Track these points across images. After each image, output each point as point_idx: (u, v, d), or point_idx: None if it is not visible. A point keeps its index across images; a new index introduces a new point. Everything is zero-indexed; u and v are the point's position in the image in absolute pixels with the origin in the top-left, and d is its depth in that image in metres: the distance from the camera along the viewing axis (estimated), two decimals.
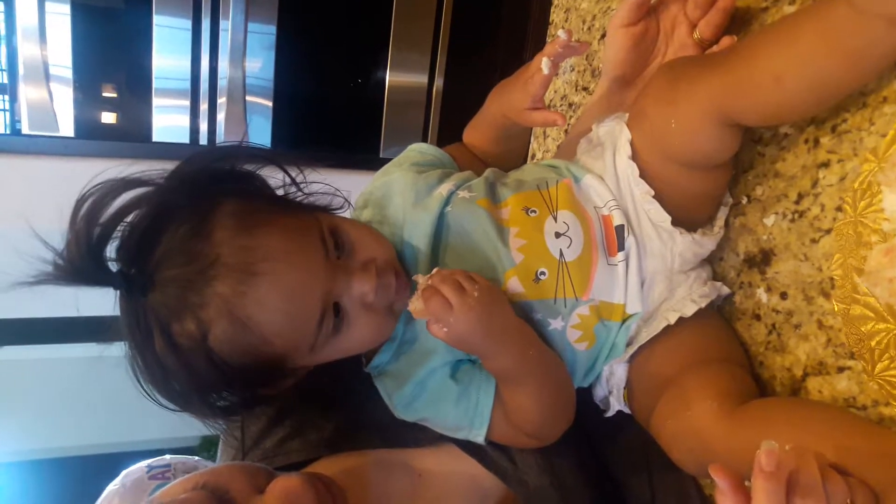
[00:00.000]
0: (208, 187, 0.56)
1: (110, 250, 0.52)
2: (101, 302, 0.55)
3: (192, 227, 0.52)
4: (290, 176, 0.61)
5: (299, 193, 0.63)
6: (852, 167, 0.55)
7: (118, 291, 0.54)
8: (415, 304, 0.55)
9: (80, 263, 0.51)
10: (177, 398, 0.56)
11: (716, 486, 0.43)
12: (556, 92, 0.94)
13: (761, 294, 0.62)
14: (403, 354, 0.64)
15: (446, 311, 0.53)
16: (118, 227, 0.52)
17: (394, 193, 0.67)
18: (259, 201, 0.59)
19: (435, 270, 0.57)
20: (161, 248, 0.52)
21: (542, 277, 0.62)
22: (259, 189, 0.61)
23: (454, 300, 0.53)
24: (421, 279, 0.57)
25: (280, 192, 0.62)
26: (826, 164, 0.57)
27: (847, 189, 0.55)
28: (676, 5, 0.66)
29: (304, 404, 0.69)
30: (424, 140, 1.92)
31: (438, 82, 1.89)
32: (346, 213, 0.67)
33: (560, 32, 0.60)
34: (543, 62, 0.63)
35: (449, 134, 1.90)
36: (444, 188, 0.65)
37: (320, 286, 0.55)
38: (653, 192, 0.61)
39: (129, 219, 0.53)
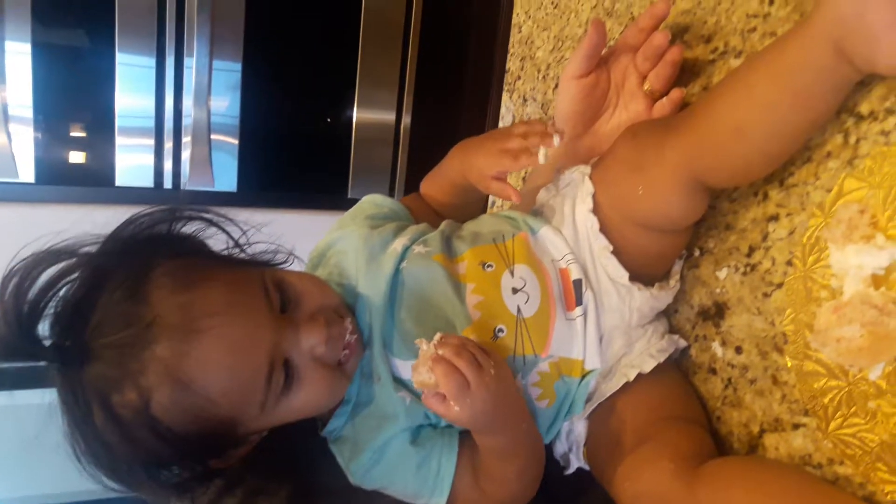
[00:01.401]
0: (143, 250, 0.54)
1: (43, 325, 0.50)
2: None
3: (126, 290, 0.50)
4: (231, 237, 0.59)
5: (242, 253, 0.61)
6: (800, 221, 0.55)
7: (54, 366, 0.51)
8: (421, 377, 0.51)
9: (11, 339, 0.49)
10: (123, 478, 0.53)
11: None
12: None
13: (716, 348, 0.62)
14: (359, 418, 0.61)
15: (463, 390, 0.50)
16: (50, 299, 0.50)
17: (348, 250, 0.66)
18: (197, 259, 0.57)
19: (439, 336, 0.53)
20: (96, 316, 0.50)
21: (500, 335, 0.60)
22: (197, 248, 0.59)
23: (472, 378, 0.50)
24: (425, 345, 0.53)
25: (223, 252, 0.60)
26: (775, 218, 0.57)
27: (796, 243, 0.55)
28: (626, 57, 0.67)
29: (257, 471, 0.66)
30: (392, 178, 1.91)
31: (406, 120, 1.89)
32: (297, 268, 0.65)
33: (555, 139, 0.59)
34: (541, 154, 0.60)
35: (416, 172, 1.89)
36: (399, 243, 0.64)
37: (266, 339, 0.53)
38: (611, 248, 0.61)
39: (61, 290, 0.51)
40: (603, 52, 0.67)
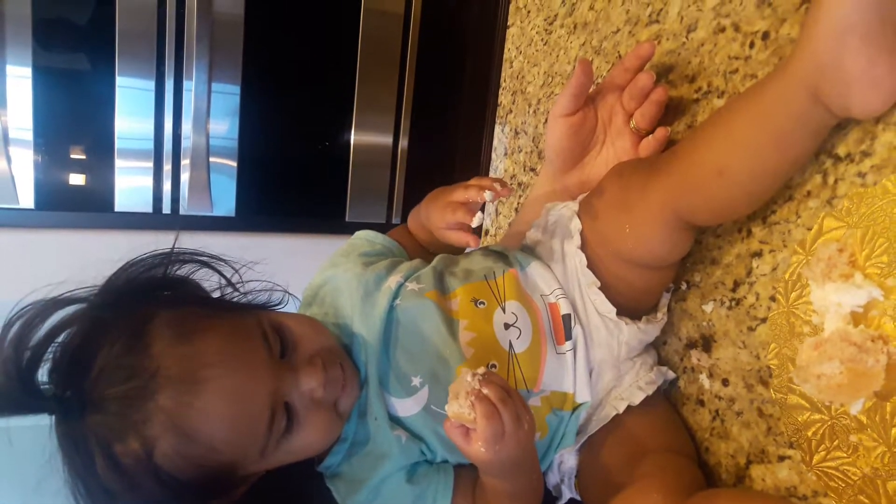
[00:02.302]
0: (141, 299, 0.55)
1: (42, 374, 0.51)
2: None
3: (127, 341, 0.51)
4: (225, 278, 0.60)
5: (237, 294, 0.62)
6: (783, 258, 0.57)
7: (53, 417, 0.52)
8: (461, 409, 0.50)
9: (10, 392, 0.50)
10: None
11: None
12: (505, 171, 0.96)
13: (704, 380, 0.63)
14: (356, 456, 0.62)
15: (497, 438, 0.50)
16: (49, 350, 0.51)
17: (342, 288, 0.66)
18: (195, 307, 0.58)
19: (484, 371, 0.52)
20: (97, 367, 0.51)
21: (492, 371, 0.61)
22: (194, 294, 0.60)
23: (509, 430, 0.50)
24: (469, 377, 0.51)
25: (217, 294, 0.61)
26: (759, 254, 0.59)
27: (779, 279, 0.57)
28: (613, 96, 0.69)
29: None
30: (390, 201, 1.93)
31: (403, 143, 1.91)
32: (291, 307, 0.66)
33: (487, 194, 0.61)
34: (477, 218, 0.63)
35: (414, 194, 1.91)
36: (393, 280, 0.65)
37: (266, 386, 0.54)
38: (599, 283, 0.62)
39: (59, 339, 0.52)
40: (590, 90, 0.69)
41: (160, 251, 0.58)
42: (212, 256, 0.61)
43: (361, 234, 0.74)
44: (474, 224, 0.62)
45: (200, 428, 0.51)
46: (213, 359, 0.52)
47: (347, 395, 0.59)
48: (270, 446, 0.55)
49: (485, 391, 0.50)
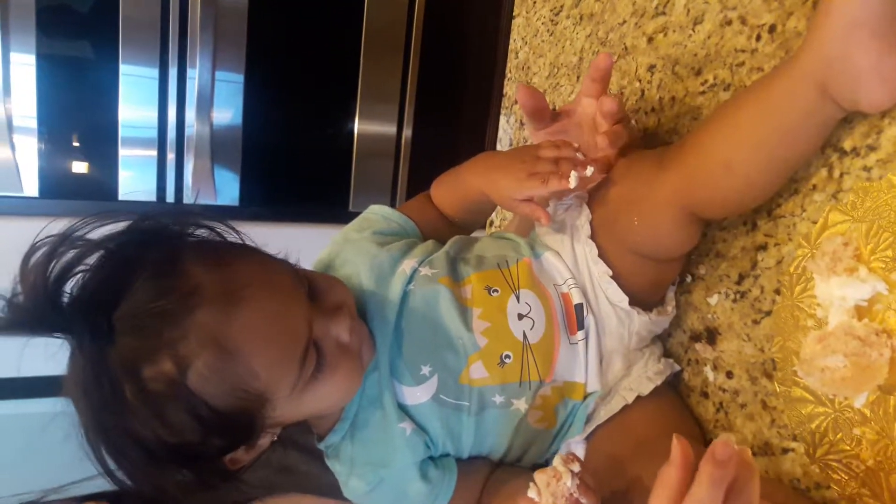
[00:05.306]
0: (168, 235, 0.53)
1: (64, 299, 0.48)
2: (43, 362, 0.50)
3: (161, 266, 0.49)
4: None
5: None
6: (788, 251, 0.57)
7: (74, 344, 0.48)
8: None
9: (36, 309, 0.47)
10: (138, 469, 0.50)
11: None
12: None
13: (708, 372, 0.64)
14: (359, 441, 0.61)
15: None
16: (74, 273, 0.48)
17: (353, 267, 0.64)
18: (224, 241, 0.56)
19: (579, 470, 0.51)
20: (128, 290, 0.47)
21: (506, 361, 0.61)
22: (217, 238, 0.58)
23: None
24: (569, 481, 0.51)
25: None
26: (764, 247, 0.59)
27: (784, 273, 0.57)
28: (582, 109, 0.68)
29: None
30: (394, 190, 1.93)
31: (407, 132, 1.91)
32: None
33: (573, 179, 0.59)
34: (572, 177, 0.59)
35: (417, 184, 1.90)
36: (408, 265, 0.64)
37: (304, 313, 0.53)
38: (611, 273, 0.62)
39: (85, 266, 0.49)
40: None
41: (173, 210, 0.57)
42: (224, 223, 0.58)
43: (377, 210, 0.72)
44: (572, 184, 0.59)
45: (241, 344, 0.49)
46: (252, 280, 0.51)
47: (369, 349, 0.59)
48: (300, 384, 0.53)
49: (583, 501, 0.50)
